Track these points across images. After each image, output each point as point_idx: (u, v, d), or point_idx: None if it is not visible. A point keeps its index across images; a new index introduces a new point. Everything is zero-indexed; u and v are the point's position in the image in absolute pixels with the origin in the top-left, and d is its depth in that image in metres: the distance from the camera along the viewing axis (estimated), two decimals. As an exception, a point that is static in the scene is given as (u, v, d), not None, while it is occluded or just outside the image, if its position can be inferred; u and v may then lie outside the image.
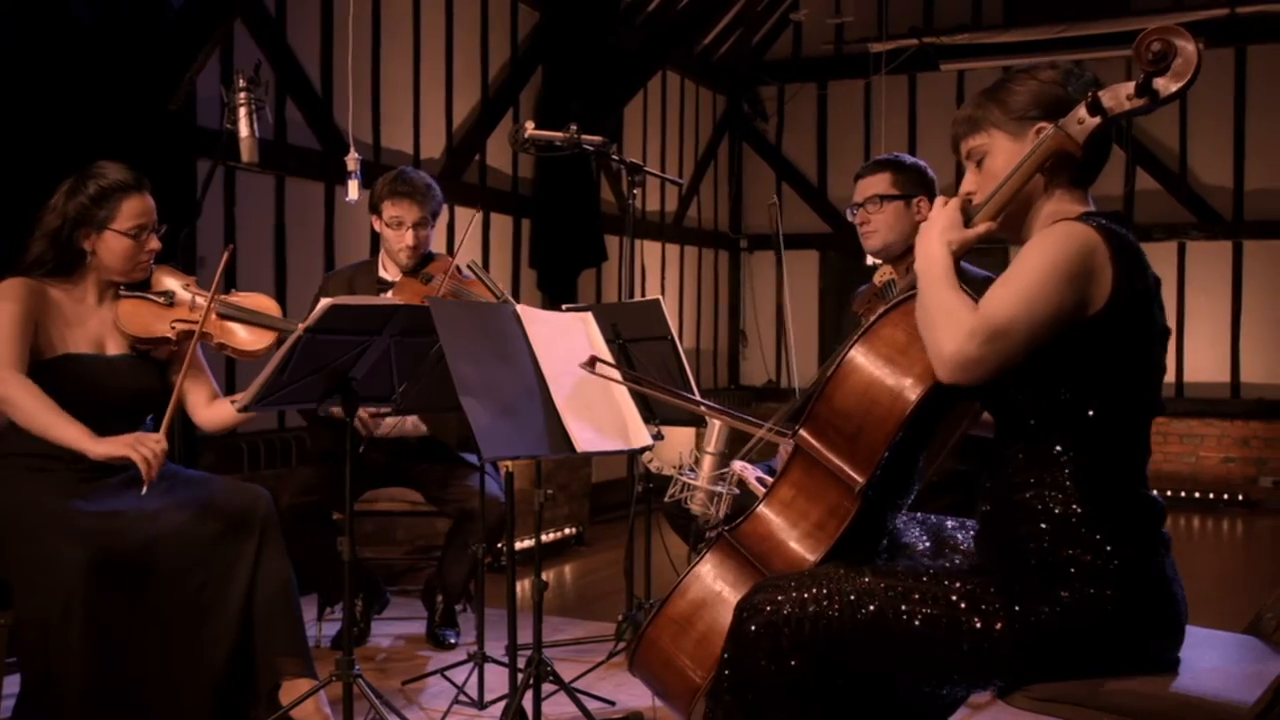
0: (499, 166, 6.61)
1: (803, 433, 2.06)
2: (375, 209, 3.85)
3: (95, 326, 2.96)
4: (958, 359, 1.80)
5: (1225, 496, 7.79)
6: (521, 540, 5.27)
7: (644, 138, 7.87)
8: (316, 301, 3.61)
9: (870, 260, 7.57)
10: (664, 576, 4.05)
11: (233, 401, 2.78)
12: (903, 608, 1.84)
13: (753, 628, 1.89)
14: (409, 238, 3.77)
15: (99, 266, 2.94)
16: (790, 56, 8.99)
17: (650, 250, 7.95)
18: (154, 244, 2.97)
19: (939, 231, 1.96)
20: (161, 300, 3.00)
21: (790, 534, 2.06)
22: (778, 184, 9.07)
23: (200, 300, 2.99)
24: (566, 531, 6.01)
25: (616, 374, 2.53)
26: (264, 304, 3.09)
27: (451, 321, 2.42)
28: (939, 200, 2.04)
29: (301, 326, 2.57)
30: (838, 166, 8.86)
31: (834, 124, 8.89)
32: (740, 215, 9.16)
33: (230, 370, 4.81)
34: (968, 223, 1.98)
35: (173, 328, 2.96)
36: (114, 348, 2.97)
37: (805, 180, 8.99)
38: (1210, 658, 1.95)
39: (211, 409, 3.05)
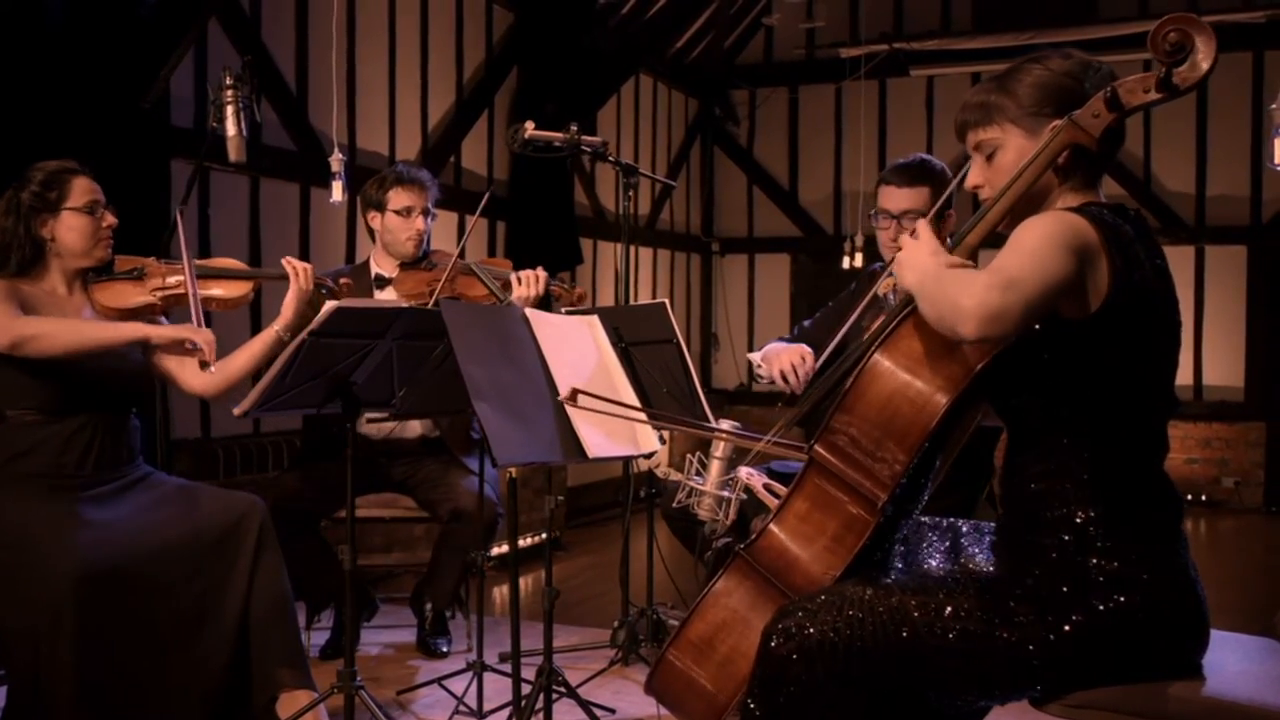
0: (474, 168, 6.56)
1: (819, 448, 1.98)
2: (377, 204, 3.87)
3: (72, 316, 2.92)
4: (982, 310, 1.69)
5: (1189, 497, 7.89)
6: (501, 544, 5.23)
7: (617, 140, 7.84)
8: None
9: (849, 264, 7.58)
10: (655, 581, 4.02)
11: (233, 407, 2.72)
12: (936, 626, 1.82)
13: (783, 654, 1.85)
14: (419, 223, 3.81)
15: (61, 253, 2.91)
16: (762, 61, 9.00)
17: (623, 253, 7.92)
18: (110, 219, 2.97)
19: (930, 253, 1.88)
20: (133, 276, 3.03)
21: (808, 549, 1.99)
22: (749, 187, 9.08)
23: (171, 272, 3.03)
24: (544, 536, 5.96)
25: (598, 404, 2.44)
26: (231, 264, 3.22)
27: (462, 323, 2.38)
28: (906, 238, 1.96)
29: (306, 330, 2.53)
30: (809, 170, 8.89)
31: (805, 128, 8.90)
32: (712, 218, 9.16)
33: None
34: (958, 243, 1.95)
35: (155, 294, 2.99)
36: None
37: (776, 184, 9.00)
38: (1233, 661, 1.95)
39: (203, 376, 3.03)
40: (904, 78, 8.34)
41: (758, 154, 9.07)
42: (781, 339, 3.59)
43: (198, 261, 3.12)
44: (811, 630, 1.84)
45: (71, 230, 2.90)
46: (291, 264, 3.13)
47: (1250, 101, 7.66)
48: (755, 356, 3.41)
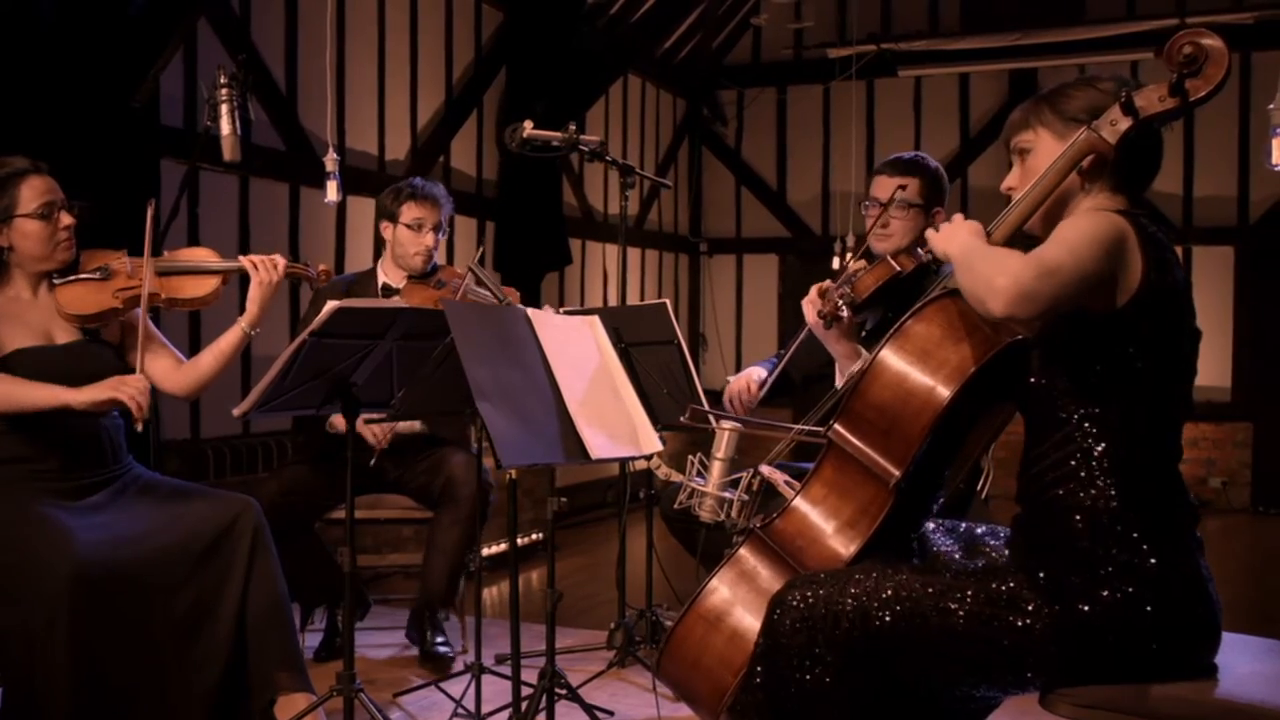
0: (463, 168, 6.53)
1: (837, 427, 2.06)
2: (389, 214, 3.87)
3: (37, 320, 2.88)
4: (1014, 290, 1.74)
5: (1176, 497, 7.91)
6: (493, 545, 5.21)
7: (605, 140, 7.82)
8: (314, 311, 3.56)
9: (838, 264, 7.58)
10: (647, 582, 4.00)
11: (233, 410, 2.69)
12: (941, 605, 1.84)
13: (787, 623, 1.87)
14: (429, 239, 3.82)
15: (21, 260, 2.86)
16: (750, 61, 8.99)
17: (611, 253, 7.91)
18: (67, 220, 2.88)
19: (970, 232, 1.97)
20: (97, 275, 2.94)
21: (823, 531, 2.06)
22: (737, 188, 9.07)
23: (136, 268, 2.94)
24: (533, 537, 5.93)
25: (713, 420, 2.57)
26: (200, 255, 3.08)
27: (465, 324, 2.37)
28: (958, 216, 2.05)
29: (307, 330, 2.51)
30: (797, 170, 8.89)
31: (793, 128, 8.90)
32: (700, 219, 9.15)
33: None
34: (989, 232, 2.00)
35: (117, 297, 2.90)
36: (63, 336, 2.88)
37: (764, 184, 9.00)
38: (1243, 662, 1.95)
39: (180, 373, 2.99)
40: (892, 78, 8.34)
41: (746, 154, 9.06)
42: (776, 355, 3.61)
43: (165, 255, 3.03)
44: (816, 602, 1.87)
45: (27, 237, 2.82)
46: (251, 260, 3.01)
47: (1238, 102, 7.68)
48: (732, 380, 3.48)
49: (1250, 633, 2.16)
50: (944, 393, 1.95)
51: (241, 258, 3.04)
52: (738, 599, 2.07)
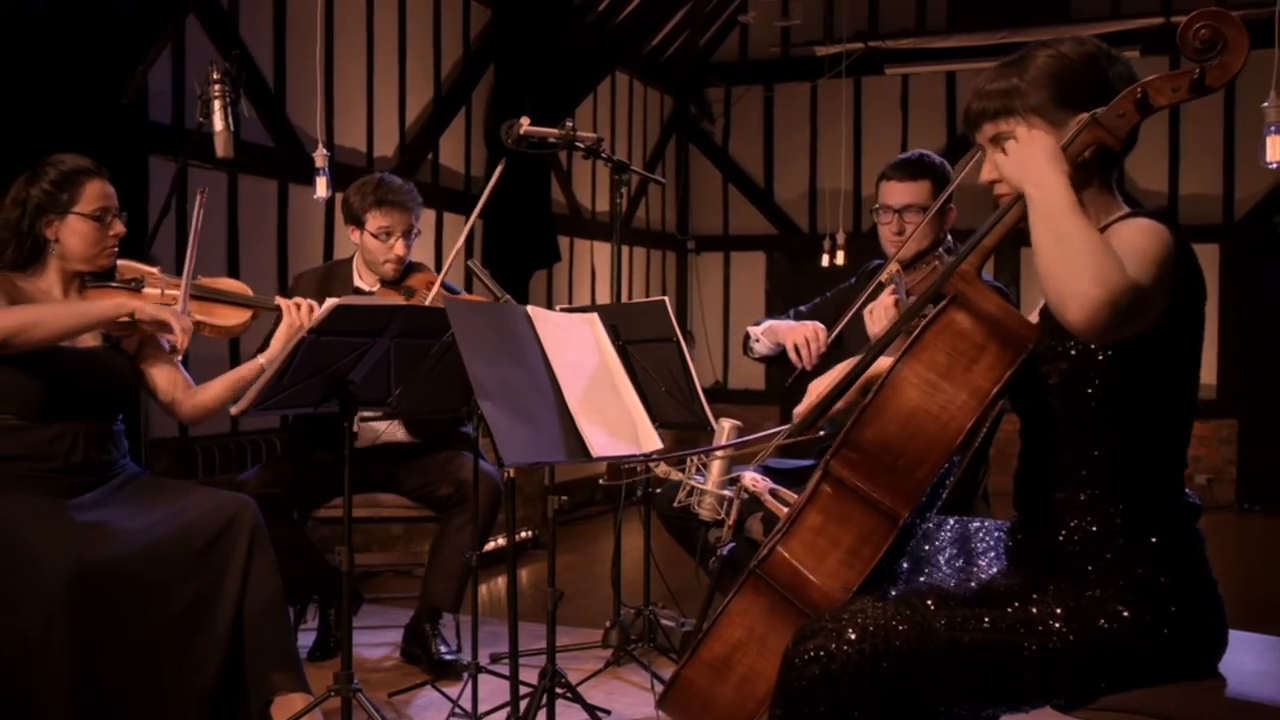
0: (452, 165, 6.51)
1: (835, 465, 1.91)
2: (355, 219, 3.66)
3: None
4: (1108, 308, 1.57)
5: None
6: (490, 543, 5.19)
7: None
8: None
9: (829, 262, 7.54)
10: (639, 578, 4.00)
11: (231, 408, 2.68)
12: (963, 639, 1.77)
13: (807, 677, 1.79)
14: (399, 247, 3.62)
15: (63, 255, 2.85)
16: (737, 58, 9.00)
17: (600, 251, 7.90)
18: (118, 228, 2.90)
19: (1048, 159, 1.71)
20: (130, 286, 2.94)
21: (823, 564, 1.92)
22: (724, 185, 9.07)
23: (170, 286, 2.95)
24: (523, 534, 5.92)
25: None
26: (233, 286, 3.11)
27: (466, 322, 2.35)
28: (1022, 130, 1.80)
29: (305, 329, 2.49)
30: (784, 168, 8.89)
31: (780, 126, 8.91)
32: (687, 216, 9.15)
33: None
34: (973, 246, 1.91)
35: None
36: (84, 340, 2.86)
37: (752, 182, 9.00)
38: (1249, 661, 1.94)
39: (189, 395, 2.98)
40: (879, 76, 8.37)
41: (733, 152, 9.06)
42: (778, 319, 3.58)
43: (201, 280, 3.05)
44: (835, 652, 1.77)
45: (76, 235, 2.83)
46: (285, 302, 3.07)
47: (1224, 100, 7.73)
48: (756, 330, 3.43)
49: (1241, 629, 2.16)
50: (958, 426, 1.80)
51: (279, 299, 3.08)
52: (744, 642, 1.98)
